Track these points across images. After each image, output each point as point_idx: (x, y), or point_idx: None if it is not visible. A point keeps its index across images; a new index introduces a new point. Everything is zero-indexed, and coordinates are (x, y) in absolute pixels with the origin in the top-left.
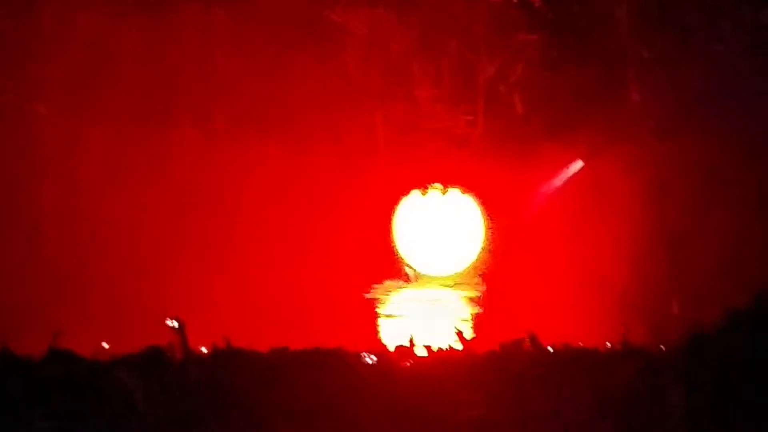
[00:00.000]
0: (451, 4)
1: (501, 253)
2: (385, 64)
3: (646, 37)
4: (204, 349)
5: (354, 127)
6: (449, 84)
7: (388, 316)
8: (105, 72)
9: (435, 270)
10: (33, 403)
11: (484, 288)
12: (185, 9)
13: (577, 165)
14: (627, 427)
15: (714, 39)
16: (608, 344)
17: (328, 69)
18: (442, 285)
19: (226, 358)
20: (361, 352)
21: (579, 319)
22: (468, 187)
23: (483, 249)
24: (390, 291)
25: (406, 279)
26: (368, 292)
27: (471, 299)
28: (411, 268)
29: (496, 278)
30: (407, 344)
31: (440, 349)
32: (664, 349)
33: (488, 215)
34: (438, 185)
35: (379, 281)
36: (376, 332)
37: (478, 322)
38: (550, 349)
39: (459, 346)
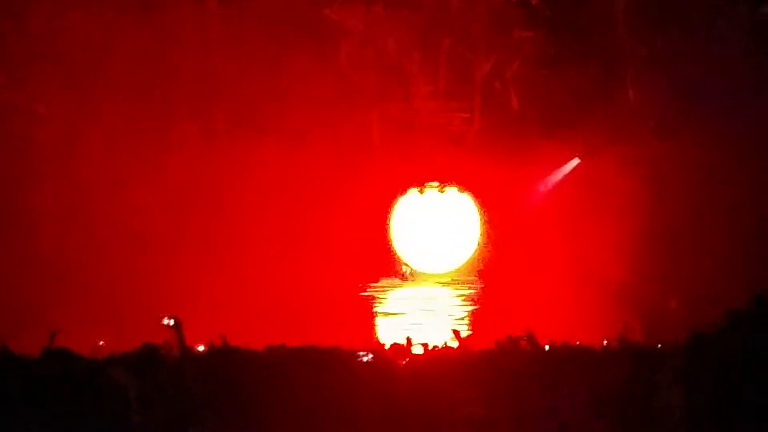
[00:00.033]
0: (447, 2)
1: (497, 251)
2: (382, 61)
3: (643, 36)
4: (201, 347)
5: (351, 124)
6: (446, 81)
7: (384, 313)
8: (104, 72)
9: (431, 268)
10: (30, 401)
11: (480, 286)
12: (184, 9)
13: (574, 162)
14: (623, 426)
15: (713, 38)
16: (605, 342)
17: (325, 67)
18: (438, 283)
19: (222, 355)
20: (358, 350)
21: (576, 317)
22: (464, 184)
23: (479, 247)
24: (386, 289)
25: (403, 277)
26: (365, 290)
27: (467, 297)
28: (407, 265)
29: (492, 276)
30: (403, 342)
31: (436, 347)
32: (661, 347)
33: (485, 213)
34: (434, 183)
35: (376, 279)
36: (373, 330)
37: (474, 319)
38: (546, 347)
39: (455, 344)
